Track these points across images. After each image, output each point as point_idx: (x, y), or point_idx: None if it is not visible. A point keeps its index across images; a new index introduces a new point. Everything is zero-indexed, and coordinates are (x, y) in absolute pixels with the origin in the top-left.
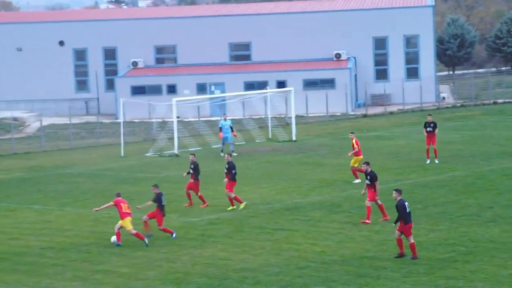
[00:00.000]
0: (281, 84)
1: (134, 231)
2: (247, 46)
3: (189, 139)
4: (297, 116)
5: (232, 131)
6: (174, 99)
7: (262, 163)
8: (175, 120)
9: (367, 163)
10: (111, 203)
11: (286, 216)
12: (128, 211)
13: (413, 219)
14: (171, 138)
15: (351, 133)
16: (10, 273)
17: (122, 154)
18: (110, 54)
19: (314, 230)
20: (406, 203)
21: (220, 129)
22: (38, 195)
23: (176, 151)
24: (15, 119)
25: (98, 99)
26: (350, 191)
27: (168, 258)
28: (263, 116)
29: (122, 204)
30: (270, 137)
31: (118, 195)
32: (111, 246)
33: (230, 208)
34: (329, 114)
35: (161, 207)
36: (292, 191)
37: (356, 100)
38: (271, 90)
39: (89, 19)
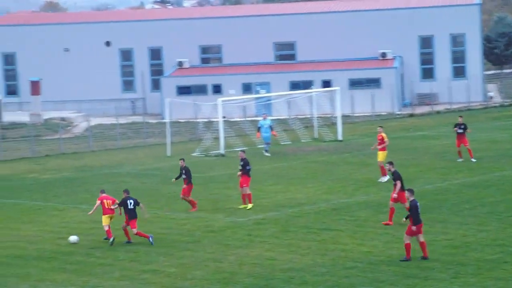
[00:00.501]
0: (326, 84)
1: (107, 228)
2: (292, 46)
3: (235, 139)
4: (342, 116)
5: (272, 130)
6: (220, 99)
7: (308, 163)
8: (221, 120)
9: (391, 163)
10: (98, 201)
11: (332, 216)
12: (111, 207)
13: (461, 219)
14: (217, 138)
15: (380, 127)
16: (59, 272)
17: (168, 154)
18: (155, 54)
19: (360, 230)
20: (418, 204)
21: (259, 128)
22: (86, 194)
23: (222, 151)
24: (62, 119)
25: (144, 99)
26: None
27: (215, 258)
28: (308, 116)
29: (105, 201)
30: (315, 136)
31: (103, 191)
32: (159, 246)
33: (242, 206)
34: (375, 113)
35: (126, 211)
36: (338, 191)
37: (403, 100)
38: (316, 90)
39: (135, 20)
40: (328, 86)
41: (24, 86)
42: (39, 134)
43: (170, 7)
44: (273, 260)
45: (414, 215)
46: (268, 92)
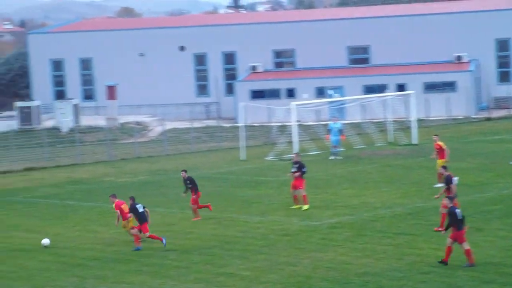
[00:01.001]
0: (401, 87)
1: (134, 231)
2: (365, 49)
3: (309, 142)
4: (417, 120)
5: (342, 134)
6: (293, 103)
7: (383, 166)
8: (294, 124)
9: (444, 167)
10: (116, 211)
11: (408, 220)
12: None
13: None
14: (291, 142)
15: (435, 135)
16: (135, 274)
17: (243, 158)
18: (229, 58)
19: (436, 235)
20: (457, 210)
21: (329, 131)
22: (161, 198)
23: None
24: (138, 123)
25: (218, 103)
26: (473, 195)
27: (290, 261)
28: (382, 120)
29: (122, 206)
30: (390, 140)
31: (114, 196)
32: (233, 249)
33: (295, 206)
34: (451, 117)
35: (137, 216)
36: (413, 195)
37: (480, 103)
38: (391, 93)
39: (208, 24)
40: (403, 90)
41: (100, 91)
42: (115, 138)
43: (244, 11)
44: (348, 264)
45: (452, 222)
46: (341, 96)
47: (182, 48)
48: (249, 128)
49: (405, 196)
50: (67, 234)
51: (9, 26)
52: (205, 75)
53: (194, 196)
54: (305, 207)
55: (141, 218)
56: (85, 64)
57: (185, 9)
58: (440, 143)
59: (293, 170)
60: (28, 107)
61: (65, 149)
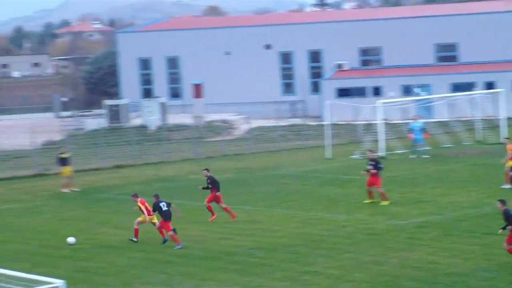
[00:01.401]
0: (489, 85)
1: (158, 224)
2: (453, 47)
3: (395, 141)
4: (506, 118)
5: (425, 133)
6: (380, 101)
7: (470, 165)
8: (380, 122)
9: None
10: (142, 206)
11: (497, 220)
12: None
13: None
14: (377, 140)
15: (507, 138)
16: (221, 272)
17: (328, 156)
18: (315, 56)
19: None
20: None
21: (411, 130)
22: (247, 196)
23: (382, 153)
24: (224, 121)
25: (303, 101)
26: None
27: (377, 260)
28: (470, 118)
29: (146, 204)
30: (478, 139)
31: (136, 196)
32: (319, 248)
33: (368, 201)
34: None
35: (162, 214)
36: (502, 195)
37: None
38: (479, 92)
39: (294, 22)
40: (491, 88)
41: (187, 89)
42: (201, 136)
43: (330, 10)
44: (435, 264)
45: (509, 223)
46: (428, 94)
47: (268, 47)
48: (334, 126)
49: (493, 195)
50: (154, 232)
51: (98, 26)
52: (291, 74)
53: (214, 194)
54: (385, 203)
55: (165, 215)
56: (172, 62)
57: (270, 7)
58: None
59: (369, 167)
60: (117, 105)
61: (153, 147)
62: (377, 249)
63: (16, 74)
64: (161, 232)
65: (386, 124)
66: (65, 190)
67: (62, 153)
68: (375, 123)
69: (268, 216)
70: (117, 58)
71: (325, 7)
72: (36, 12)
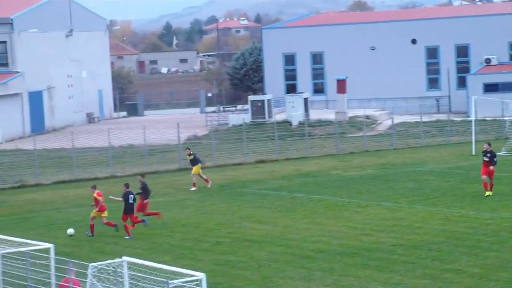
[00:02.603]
0: None
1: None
2: None
3: None
4: None
5: None
6: None
7: None
8: None
9: None
10: (99, 198)
11: None
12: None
13: None
14: None
15: None
16: (361, 268)
17: (473, 153)
18: (462, 51)
19: None
20: None
21: None
22: (388, 192)
23: None
24: (367, 117)
25: (449, 97)
26: None
27: None
28: None
29: (101, 198)
30: None
31: (94, 187)
32: (461, 245)
33: (487, 194)
34: None
35: (126, 205)
36: None
37: None
38: None
39: (441, 17)
40: None
41: (330, 85)
42: (343, 132)
43: (479, 3)
44: None
45: None
46: None
47: (414, 41)
48: (480, 122)
49: None
50: (295, 226)
51: (244, 22)
52: (436, 68)
53: (140, 203)
54: (488, 193)
55: (128, 208)
56: (316, 58)
57: (418, 2)
58: None
59: (485, 159)
60: (260, 101)
61: (295, 142)
62: None
63: (163, 70)
64: (108, 223)
65: None
66: (193, 189)
67: (189, 155)
68: None
69: (409, 213)
70: (262, 54)
71: (474, 1)
72: (185, 9)
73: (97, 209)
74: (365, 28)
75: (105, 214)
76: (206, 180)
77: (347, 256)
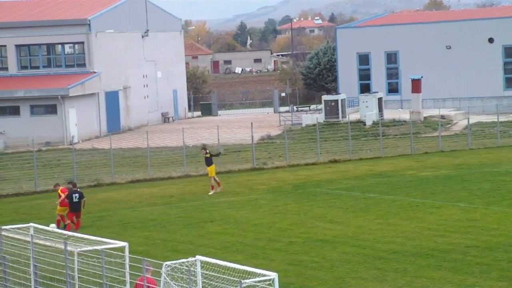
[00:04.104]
0: None
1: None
2: None
3: None
4: None
5: None
6: None
7: None
8: None
9: None
10: (62, 194)
11: None
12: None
13: None
14: None
15: None
16: (435, 270)
17: None
18: None
19: None
20: None
21: None
22: (463, 193)
23: None
24: (442, 117)
25: None
26: None
27: None
28: None
29: (64, 194)
30: None
31: (57, 185)
32: None
33: None
34: None
35: (70, 204)
36: None
37: None
38: None
39: None
40: None
41: (405, 84)
42: (418, 132)
43: None
44: None
45: None
46: None
47: (490, 40)
48: None
49: None
50: (368, 227)
51: (318, 22)
52: None
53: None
54: None
55: (72, 207)
56: (391, 57)
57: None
58: None
59: None
60: (334, 101)
61: (368, 142)
62: None
63: (237, 69)
64: (62, 219)
65: None
66: (211, 193)
67: (207, 153)
68: None
69: (485, 214)
70: (336, 53)
71: None
72: (260, 9)
73: (58, 203)
74: (440, 27)
75: (63, 211)
76: (219, 184)
77: (420, 257)
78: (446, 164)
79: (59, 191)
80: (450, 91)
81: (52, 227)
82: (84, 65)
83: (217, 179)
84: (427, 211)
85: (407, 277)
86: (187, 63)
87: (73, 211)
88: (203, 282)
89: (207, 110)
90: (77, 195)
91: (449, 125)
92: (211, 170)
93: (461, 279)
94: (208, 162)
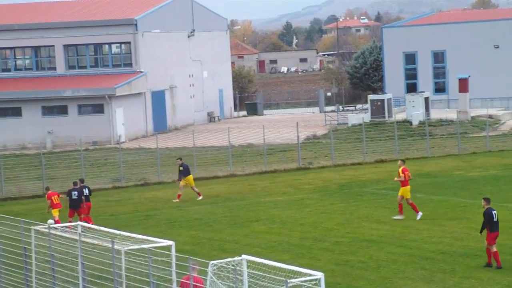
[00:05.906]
0: None
1: (57, 218)
2: None
3: None
4: None
5: None
6: None
7: None
8: None
9: None
10: (48, 200)
11: None
12: (58, 202)
13: None
14: None
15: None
16: (484, 270)
17: None
18: None
19: None
20: (494, 212)
21: None
22: (511, 193)
23: None
24: (490, 116)
25: None
26: None
27: None
28: None
29: (53, 197)
30: None
31: (48, 189)
32: None
33: None
34: None
35: (70, 201)
36: None
37: None
38: None
39: None
40: None
41: (452, 84)
42: (465, 132)
43: None
44: None
45: (488, 223)
46: None
47: None
48: None
49: None
50: (415, 227)
51: (364, 21)
52: None
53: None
54: None
55: (72, 203)
56: (438, 57)
57: None
58: None
59: None
60: (380, 100)
61: (415, 141)
62: None
63: (283, 69)
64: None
65: None
66: (175, 201)
67: (180, 165)
68: None
69: None
70: (382, 52)
71: None
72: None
73: (48, 207)
74: (488, 26)
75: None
76: (198, 194)
77: (469, 258)
78: (494, 164)
79: (46, 196)
80: (498, 91)
81: (50, 223)
82: (130, 64)
83: (195, 189)
84: (475, 211)
85: (455, 278)
86: (232, 63)
87: (72, 207)
88: (249, 282)
89: (252, 110)
90: (76, 192)
91: (497, 124)
92: (191, 179)
93: (510, 281)
94: (186, 173)
